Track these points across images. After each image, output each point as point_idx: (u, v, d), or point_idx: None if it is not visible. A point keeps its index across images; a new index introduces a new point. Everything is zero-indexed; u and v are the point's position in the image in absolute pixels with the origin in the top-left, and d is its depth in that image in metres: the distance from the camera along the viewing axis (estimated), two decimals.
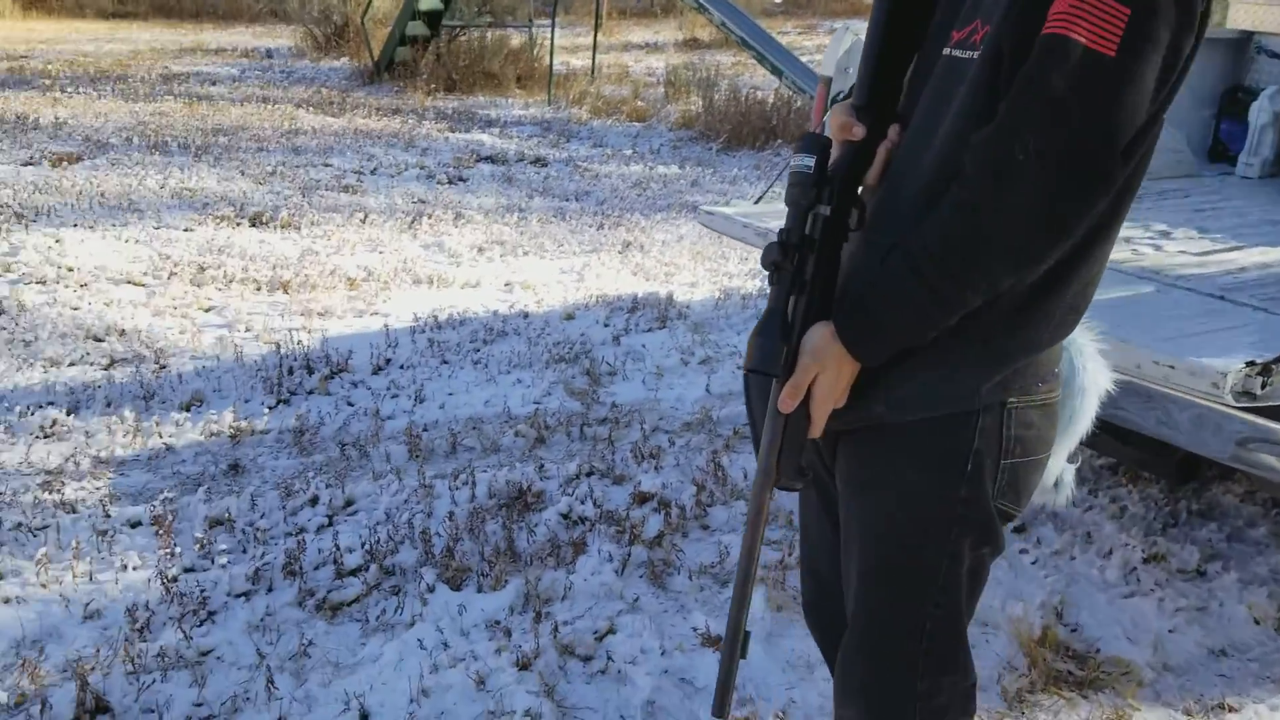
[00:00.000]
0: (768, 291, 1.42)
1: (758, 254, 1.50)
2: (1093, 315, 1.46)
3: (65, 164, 7.82)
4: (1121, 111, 1.22)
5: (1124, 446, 2.70)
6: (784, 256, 1.38)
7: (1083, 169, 1.23)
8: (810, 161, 1.39)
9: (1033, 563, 3.01)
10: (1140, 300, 2.51)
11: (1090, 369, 1.53)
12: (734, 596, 1.41)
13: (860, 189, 1.44)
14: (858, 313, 1.34)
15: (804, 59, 11.14)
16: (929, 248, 1.28)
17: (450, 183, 8.05)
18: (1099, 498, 3.35)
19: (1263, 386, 2.02)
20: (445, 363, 4.55)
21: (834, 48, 3.82)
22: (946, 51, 1.39)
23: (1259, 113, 4.07)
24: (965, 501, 1.40)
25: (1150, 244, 3.10)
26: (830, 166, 1.41)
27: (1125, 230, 3.20)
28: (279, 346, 4.56)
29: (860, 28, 3.05)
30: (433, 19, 12.46)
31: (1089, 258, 1.35)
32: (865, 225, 1.42)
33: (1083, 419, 1.51)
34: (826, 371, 1.35)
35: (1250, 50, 4.44)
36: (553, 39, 11.91)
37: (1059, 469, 1.54)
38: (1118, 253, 2.96)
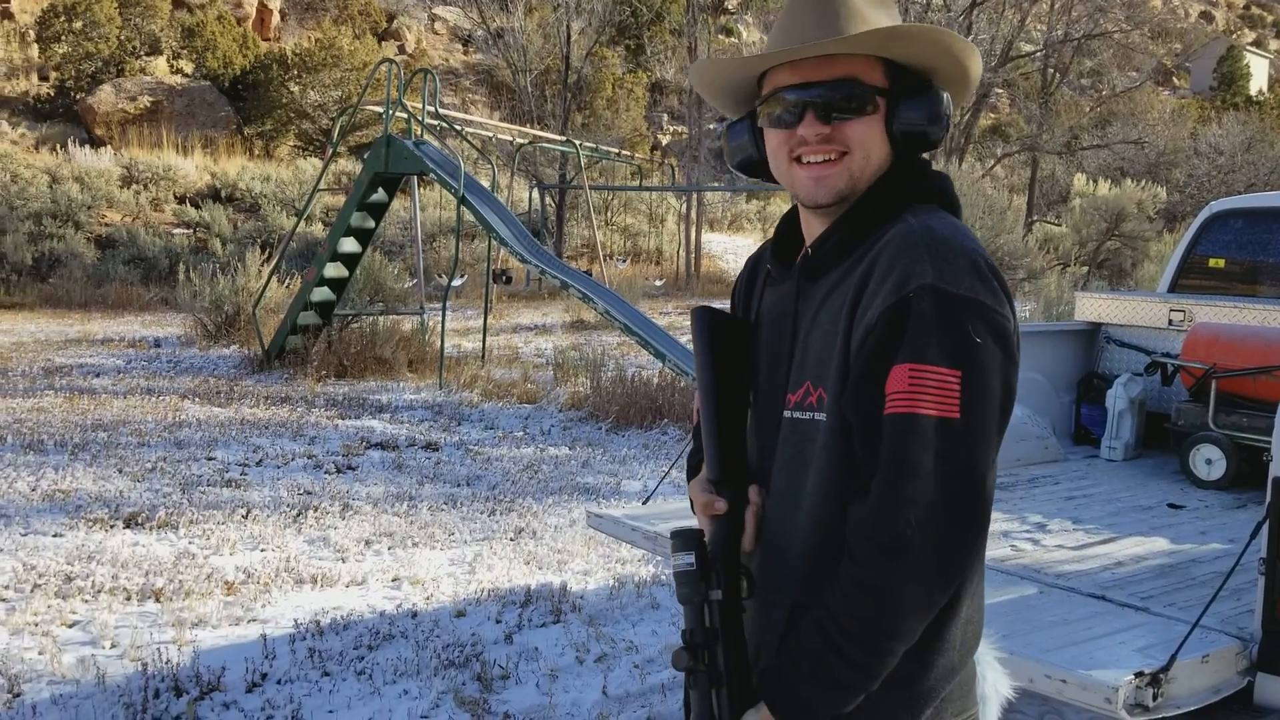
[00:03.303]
0: (686, 684, 1.42)
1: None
2: (985, 622, 1.48)
3: None
4: (981, 462, 1.31)
5: None
6: (695, 659, 1.40)
7: (962, 523, 1.30)
8: (691, 558, 1.42)
9: None
10: (1025, 603, 2.53)
11: (990, 678, 1.54)
12: None
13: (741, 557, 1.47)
14: (788, 695, 1.35)
15: (684, 338, 11.56)
16: (844, 626, 1.31)
17: (339, 472, 7.93)
18: None
19: (1154, 698, 2.02)
20: (326, 674, 4.31)
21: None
22: (787, 414, 1.46)
23: (1115, 399, 4.30)
24: None
25: (1028, 538, 3.16)
26: (708, 548, 1.44)
27: (1003, 524, 3.30)
28: (146, 666, 4.27)
29: None
30: (325, 309, 12.65)
31: (972, 575, 1.41)
32: (756, 588, 1.45)
33: None
34: None
35: (1100, 340, 4.76)
36: (444, 323, 12.16)
37: None
38: (998, 550, 3.01)
